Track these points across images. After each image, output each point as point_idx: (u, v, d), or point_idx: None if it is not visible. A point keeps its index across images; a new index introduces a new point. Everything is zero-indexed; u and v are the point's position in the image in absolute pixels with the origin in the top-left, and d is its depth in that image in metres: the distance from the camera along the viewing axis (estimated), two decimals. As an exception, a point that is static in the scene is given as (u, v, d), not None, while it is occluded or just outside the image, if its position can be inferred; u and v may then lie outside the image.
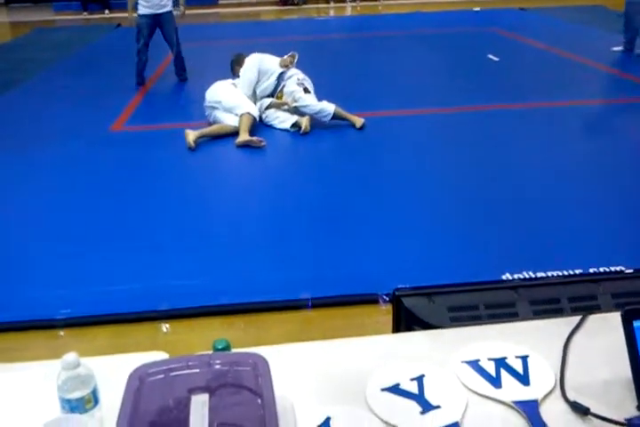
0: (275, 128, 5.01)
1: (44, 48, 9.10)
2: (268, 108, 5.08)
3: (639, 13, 7.00)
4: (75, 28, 11.33)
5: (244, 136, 4.65)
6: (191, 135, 4.61)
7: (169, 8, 6.35)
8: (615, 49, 7.50)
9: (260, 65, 5.14)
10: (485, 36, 9.10)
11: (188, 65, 6.89)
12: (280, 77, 5.15)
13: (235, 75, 5.25)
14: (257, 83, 5.12)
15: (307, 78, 5.21)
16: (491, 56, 7.38)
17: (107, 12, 12.77)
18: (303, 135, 4.81)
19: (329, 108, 4.93)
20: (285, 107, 5.07)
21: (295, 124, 4.89)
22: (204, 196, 3.83)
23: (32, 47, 9.31)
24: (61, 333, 2.55)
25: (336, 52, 8.21)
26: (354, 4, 13.28)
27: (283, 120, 4.99)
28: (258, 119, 4.93)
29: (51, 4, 13.20)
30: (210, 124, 4.94)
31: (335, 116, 4.97)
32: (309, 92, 5.07)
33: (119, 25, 11.08)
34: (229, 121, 4.79)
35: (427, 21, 10.50)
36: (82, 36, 10.13)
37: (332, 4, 13.54)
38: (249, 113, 4.78)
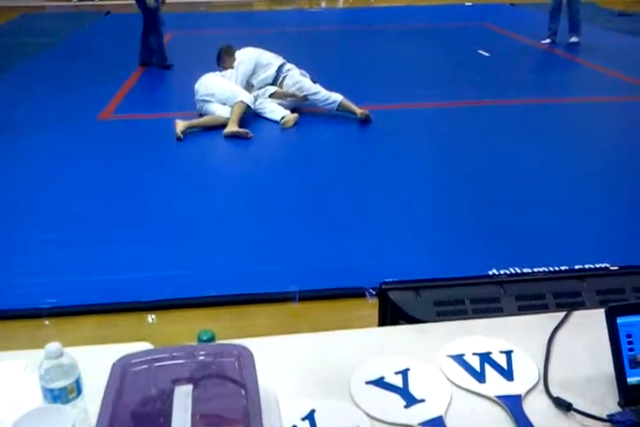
0: (264, 118, 5.00)
1: (32, 34, 9.00)
2: (270, 96, 5.07)
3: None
4: (64, 15, 11.20)
5: (232, 127, 4.63)
6: (180, 125, 4.59)
7: None
8: (544, 42, 7.84)
9: (259, 59, 5.13)
10: (476, 30, 9.11)
11: (178, 54, 6.85)
12: (279, 70, 5.14)
13: (221, 66, 5.22)
14: (252, 75, 5.10)
15: (305, 73, 5.23)
16: (481, 51, 7.39)
17: (96, -1, 12.64)
18: (284, 129, 4.81)
19: (337, 97, 5.00)
20: (290, 98, 5.07)
21: (284, 117, 4.89)
22: (192, 187, 3.81)
23: (20, 33, 9.20)
24: (46, 322, 2.54)
25: (327, 45, 8.18)
26: (346, -4, 13.23)
27: (272, 111, 4.98)
28: (253, 107, 4.92)
29: (40, -10, 13.04)
30: (200, 115, 4.91)
31: (340, 107, 4.98)
32: (316, 82, 5.12)
33: (108, 13, 10.99)
34: (221, 112, 4.77)
35: (419, 15, 10.48)
36: (71, 22, 10.01)
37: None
38: (242, 102, 4.77)
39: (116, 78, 6.30)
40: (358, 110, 4.93)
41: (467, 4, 11.67)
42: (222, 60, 5.23)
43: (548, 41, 7.88)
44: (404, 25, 9.44)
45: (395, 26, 9.38)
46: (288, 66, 5.22)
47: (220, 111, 4.78)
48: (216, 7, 12.20)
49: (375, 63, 6.95)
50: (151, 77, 6.53)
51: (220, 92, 4.85)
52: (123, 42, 8.39)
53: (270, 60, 5.19)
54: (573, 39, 7.87)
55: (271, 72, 5.13)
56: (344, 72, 6.49)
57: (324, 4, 12.93)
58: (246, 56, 5.14)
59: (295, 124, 4.87)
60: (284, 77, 5.14)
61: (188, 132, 4.61)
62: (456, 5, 11.47)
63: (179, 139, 4.53)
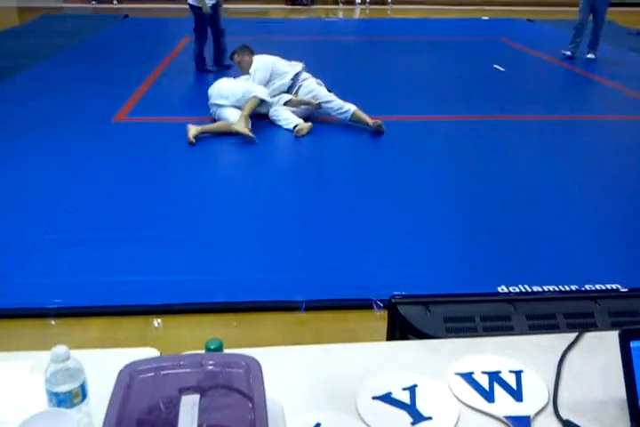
0: (277, 125, 5.01)
1: (50, 35, 9.08)
2: (285, 104, 5.08)
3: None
4: (82, 17, 11.31)
5: (240, 125, 4.62)
6: (193, 130, 4.60)
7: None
8: (565, 52, 7.99)
9: (275, 67, 5.15)
10: (492, 45, 9.11)
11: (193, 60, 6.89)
12: (295, 78, 5.16)
13: (234, 60, 5.30)
14: (268, 83, 5.12)
15: (321, 82, 5.25)
16: (497, 66, 7.39)
17: (115, 2, 12.75)
18: (297, 137, 4.82)
19: (350, 106, 5.01)
20: (304, 106, 5.08)
21: (297, 126, 4.89)
22: (202, 193, 3.81)
23: (39, 33, 9.28)
24: (52, 322, 2.53)
25: (342, 55, 8.20)
26: (363, 6, 13.28)
27: (286, 119, 4.99)
28: (268, 100, 4.93)
29: (60, -9, 13.18)
30: (214, 120, 4.92)
31: (352, 117, 4.99)
32: (331, 91, 5.15)
33: (126, 16, 11.07)
34: (234, 118, 4.77)
35: (435, 28, 10.51)
36: (89, 25, 10.10)
37: (340, 6, 13.53)
38: (255, 96, 4.78)
39: (132, 81, 6.34)
40: (371, 121, 4.92)
41: (483, 18, 11.68)
42: (242, 55, 5.25)
43: (568, 53, 7.95)
44: (420, 37, 9.46)
45: (410, 37, 9.40)
46: (304, 75, 5.23)
47: (233, 117, 4.79)
48: (232, 14, 12.26)
49: (390, 74, 6.96)
50: (167, 81, 6.56)
51: (233, 93, 4.86)
52: (139, 45, 8.47)
53: (286, 69, 5.21)
54: (590, 55, 7.91)
55: (286, 80, 5.14)
56: (358, 82, 6.50)
57: (340, 14, 12.98)
58: (262, 63, 5.16)
59: (309, 132, 4.87)
60: (300, 87, 5.15)
61: (200, 137, 4.62)
62: (472, 19, 11.49)
63: (191, 143, 4.54)
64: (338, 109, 5.04)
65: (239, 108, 4.84)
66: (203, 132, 4.68)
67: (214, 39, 6.91)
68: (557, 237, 3.30)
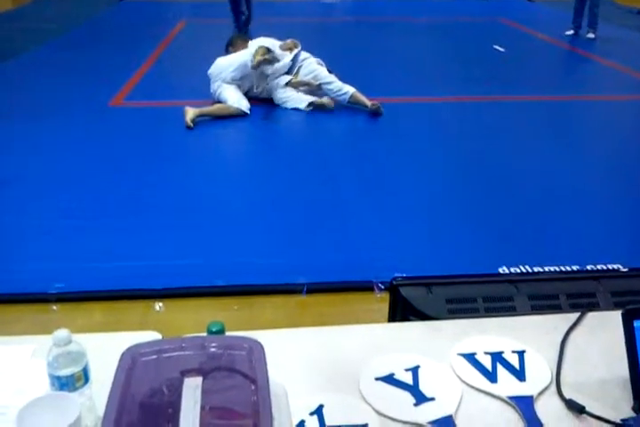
0: (286, 108, 5.00)
1: (45, 19, 8.99)
2: (286, 85, 5.04)
3: None
4: (77, 1, 11.16)
5: (191, 116, 4.55)
6: (190, 113, 4.56)
7: None
8: (567, 33, 8.12)
9: (273, 49, 5.08)
10: (492, 26, 9.03)
11: (192, 42, 6.82)
12: (295, 59, 5.11)
13: (230, 52, 5.20)
14: (269, 64, 5.05)
15: (322, 62, 5.20)
16: (497, 47, 7.33)
17: (111, -16, 12.59)
18: (329, 112, 4.91)
19: (349, 89, 4.99)
20: (304, 87, 5.05)
21: (312, 104, 4.87)
22: (201, 177, 3.79)
23: (33, 17, 9.19)
24: (54, 307, 2.53)
25: (339, 36, 8.13)
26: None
27: (298, 99, 4.96)
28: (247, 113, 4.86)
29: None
30: (214, 102, 4.89)
31: (351, 99, 4.96)
32: (331, 72, 5.12)
33: (122, -1, 10.97)
34: (233, 101, 4.74)
35: (434, 9, 10.40)
36: (84, 8, 9.99)
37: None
38: (239, 109, 4.75)
39: (129, 65, 6.28)
40: (369, 102, 4.90)
41: (483, -2, 11.57)
42: (234, 45, 5.20)
43: (571, 32, 8.11)
44: (419, 18, 9.38)
45: (409, 19, 9.32)
46: (304, 54, 5.19)
47: (232, 99, 4.75)
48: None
49: (388, 56, 6.90)
50: (164, 65, 6.51)
51: (234, 61, 4.85)
52: (136, 29, 8.39)
53: (281, 51, 5.16)
54: (590, 35, 7.92)
55: (286, 61, 5.09)
56: (357, 63, 6.45)
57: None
58: (261, 44, 5.10)
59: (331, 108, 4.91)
60: (300, 67, 5.10)
61: (198, 121, 4.59)
62: (471, 0, 11.37)
63: (189, 127, 4.51)
64: (337, 91, 5.01)
65: (239, 86, 4.81)
66: (200, 116, 4.64)
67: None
68: (558, 217, 3.29)
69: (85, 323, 2.40)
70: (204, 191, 3.58)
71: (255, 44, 5.11)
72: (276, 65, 5.07)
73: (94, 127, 4.57)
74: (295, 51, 5.16)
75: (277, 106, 5.05)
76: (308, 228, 3.16)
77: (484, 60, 6.85)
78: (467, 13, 9.97)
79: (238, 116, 4.77)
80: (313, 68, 5.09)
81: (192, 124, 4.52)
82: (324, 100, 4.96)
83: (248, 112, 4.80)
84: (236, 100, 4.76)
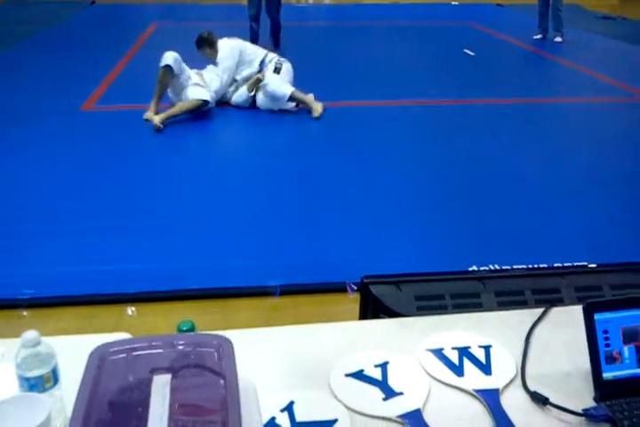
0: (238, 106, 5.05)
1: (15, 22, 8.87)
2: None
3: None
4: (48, 3, 11.03)
5: (152, 114, 4.60)
6: (157, 118, 4.54)
7: None
8: (536, 37, 8.25)
9: (242, 55, 5.09)
10: (462, 30, 9.14)
11: (163, 45, 6.77)
12: (262, 64, 5.11)
13: (203, 54, 5.18)
14: (236, 69, 5.07)
15: (286, 60, 5.19)
16: (467, 51, 7.42)
17: (82, -12, 12.47)
18: (296, 114, 4.91)
19: (286, 89, 4.90)
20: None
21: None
22: (173, 180, 3.78)
23: (3, 20, 9.06)
24: (24, 313, 2.51)
25: (313, 40, 8.15)
26: (334, -9, 13.19)
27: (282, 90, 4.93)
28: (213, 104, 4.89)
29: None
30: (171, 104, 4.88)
31: (292, 99, 4.94)
32: (278, 72, 5.04)
33: (93, 2, 10.86)
34: (194, 95, 4.73)
35: (405, 13, 10.49)
36: (55, 11, 9.88)
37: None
38: (198, 100, 4.73)
39: (100, 69, 6.23)
40: (315, 108, 4.87)
41: (453, 3, 11.70)
42: (203, 48, 5.18)
43: (539, 36, 8.25)
44: (390, 22, 9.45)
45: (381, 23, 9.38)
46: (270, 56, 5.17)
47: (193, 94, 4.74)
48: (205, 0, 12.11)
49: (360, 59, 6.94)
50: (136, 68, 6.46)
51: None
52: (107, 32, 8.33)
53: (253, 57, 5.14)
54: (557, 39, 8.10)
55: (254, 67, 5.09)
56: (327, 67, 6.48)
57: (311, 0, 12.88)
58: (228, 52, 5.07)
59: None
60: (266, 70, 5.10)
61: (168, 123, 4.58)
62: (442, 4, 11.50)
63: (158, 130, 4.49)
64: (273, 93, 4.90)
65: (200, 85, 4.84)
66: (168, 118, 4.62)
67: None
68: (530, 216, 3.35)
69: (57, 328, 2.37)
70: (176, 194, 3.57)
71: (223, 48, 5.09)
72: (244, 72, 5.08)
73: (66, 132, 4.53)
74: (263, 55, 5.17)
75: (256, 108, 5.04)
76: (281, 230, 3.17)
77: (455, 63, 6.93)
78: (437, 17, 10.08)
79: (202, 107, 4.77)
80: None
81: (162, 126, 4.50)
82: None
83: (209, 100, 4.78)
84: (195, 93, 4.75)
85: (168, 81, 4.72)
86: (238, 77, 5.06)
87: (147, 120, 4.65)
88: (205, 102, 4.76)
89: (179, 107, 4.74)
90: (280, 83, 4.95)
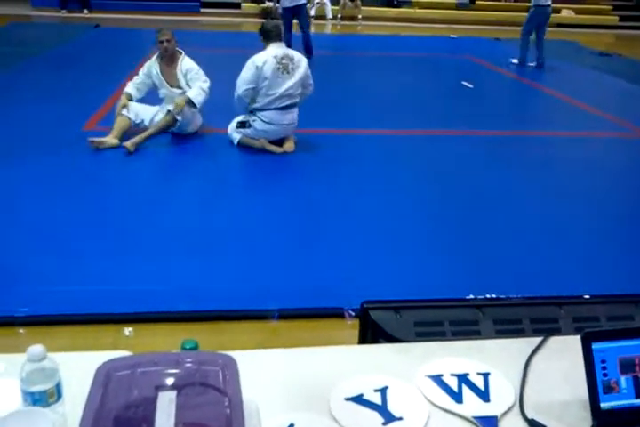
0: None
1: (18, 43, 8.97)
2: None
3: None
4: (52, 26, 11.19)
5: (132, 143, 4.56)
6: (129, 144, 4.52)
7: (304, 1, 8.38)
8: (531, 64, 8.84)
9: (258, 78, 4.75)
10: (460, 62, 9.31)
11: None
12: None
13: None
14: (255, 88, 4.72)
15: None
16: (465, 83, 7.54)
17: (86, 11, 12.65)
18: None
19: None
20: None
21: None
22: (171, 202, 3.80)
23: (6, 41, 9.16)
24: (21, 331, 2.50)
25: (311, 69, 8.25)
26: (334, 22, 13.41)
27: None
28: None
29: (29, -1, 13.06)
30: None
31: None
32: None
33: (97, 25, 11.01)
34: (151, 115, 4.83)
35: (404, 45, 10.68)
36: (59, 33, 10.02)
37: (312, 21, 13.62)
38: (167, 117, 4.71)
39: (103, 90, 6.29)
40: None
41: (451, 36, 11.92)
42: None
43: (534, 64, 8.79)
44: (390, 53, 9.61)
45: (380, 53, 9.54)
46: None
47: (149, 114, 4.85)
48: (205, 26, 12.30)
49: (358, 89, 7.05)
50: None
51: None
52: (110, 54, 8.43)
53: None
54: (532, 64, 8.78)
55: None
56: (325, 96, 6.54)
57: (312, 29, 13.08)
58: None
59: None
60: None
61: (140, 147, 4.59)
62: (441, 37, 11.71)
63: (130, 152, 4.49)
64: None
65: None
66: (142, 142, 4.62)
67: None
68: (526, 246, 3.38)
69: (53, 347, 2.33)
70: (175, 217, 3.58)
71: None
72: None
73: (67, 151, 4.55)
74: None
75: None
76: (280, 255, 3.18)
77: (454, 95, 7.04)
78: (436, 50, 10.26)
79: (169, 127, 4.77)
80: None
81: (132, 149, 4.50)
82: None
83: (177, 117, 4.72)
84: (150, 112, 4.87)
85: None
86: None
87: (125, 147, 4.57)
88: (175, 121, 4.75)
89: (153, 129, 4.74)
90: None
